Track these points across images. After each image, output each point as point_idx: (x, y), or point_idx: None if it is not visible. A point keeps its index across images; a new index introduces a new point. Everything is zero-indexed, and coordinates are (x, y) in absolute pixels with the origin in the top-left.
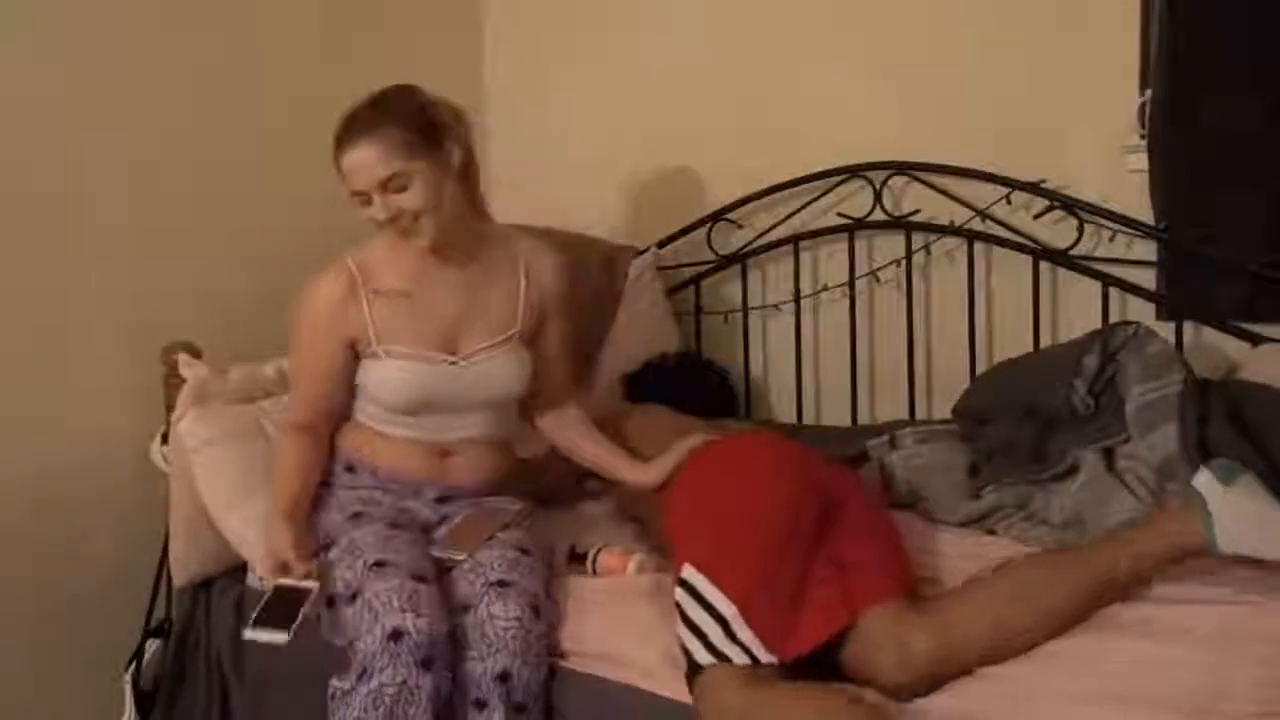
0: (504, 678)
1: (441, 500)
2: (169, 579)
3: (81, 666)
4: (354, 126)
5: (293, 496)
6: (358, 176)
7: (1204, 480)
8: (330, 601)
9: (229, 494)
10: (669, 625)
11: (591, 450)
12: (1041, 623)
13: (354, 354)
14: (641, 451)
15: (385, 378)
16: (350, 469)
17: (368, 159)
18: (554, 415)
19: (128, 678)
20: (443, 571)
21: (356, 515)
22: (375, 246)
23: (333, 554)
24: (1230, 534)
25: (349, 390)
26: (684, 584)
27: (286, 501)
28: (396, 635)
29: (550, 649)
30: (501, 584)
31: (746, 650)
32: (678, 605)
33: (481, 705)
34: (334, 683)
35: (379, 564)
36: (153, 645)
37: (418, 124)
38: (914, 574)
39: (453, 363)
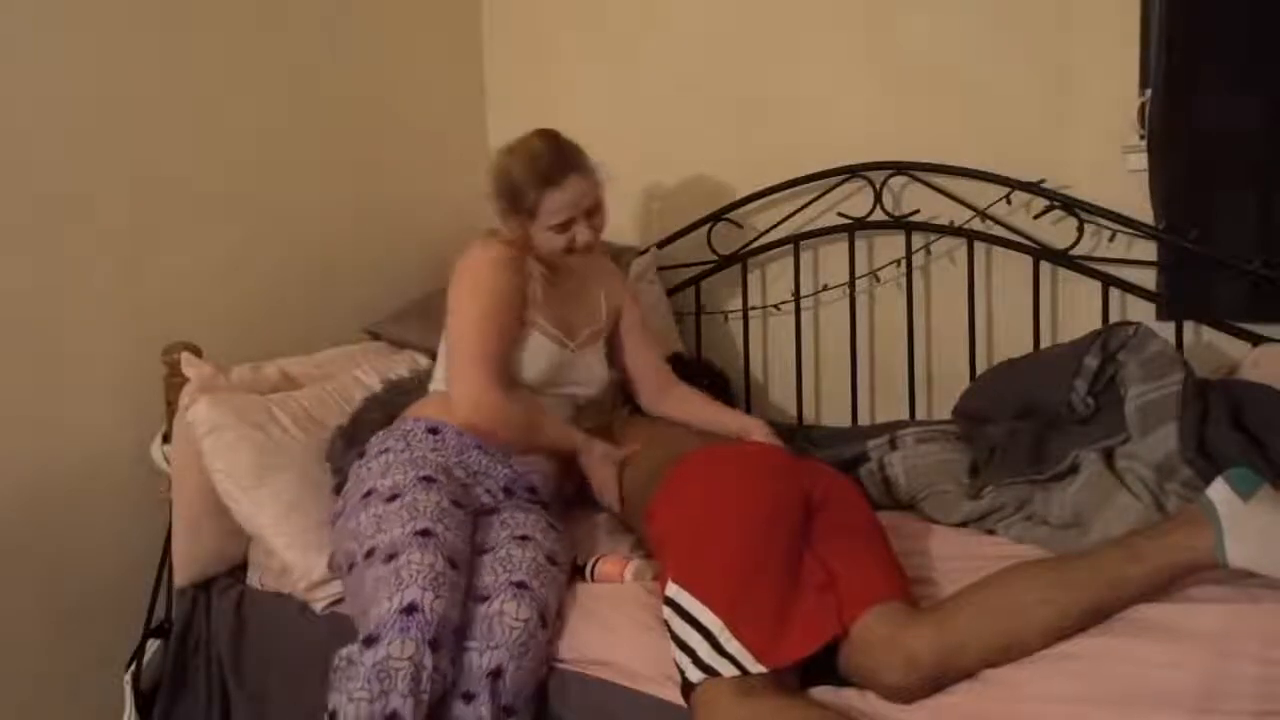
0: (496, 674)
1: (508, 491)
2: (169, 579)
3: (81, 666)
4: (567, 159)
5: (565, 432)
6: (576, 203)
7: (1220, 492)
8: (369, 553)
9: (244, 476)
10: (665, 631)
11: (709, 411)
12: (1046, 632)
13: None
14: (639, 455)
15: (529, 348)
16: (434, 431)
17: (585, 187)
18: (658, 393)
19: (128, 678)
20: (475, 558)
21: (428, 479)
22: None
23: (393, 505)
24: (1241, 550)
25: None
26: (669, 601)
27: (570, 438)
28: (411, 609)
29: (548, 655)
30: (520, 585)
31: (735, 662)
32: (665, 623)
33: (470, 698)
34: (341, 652)
35: (425, 532)
36: (153, 645)
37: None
38: (905, 575)
39: (571, 349)
